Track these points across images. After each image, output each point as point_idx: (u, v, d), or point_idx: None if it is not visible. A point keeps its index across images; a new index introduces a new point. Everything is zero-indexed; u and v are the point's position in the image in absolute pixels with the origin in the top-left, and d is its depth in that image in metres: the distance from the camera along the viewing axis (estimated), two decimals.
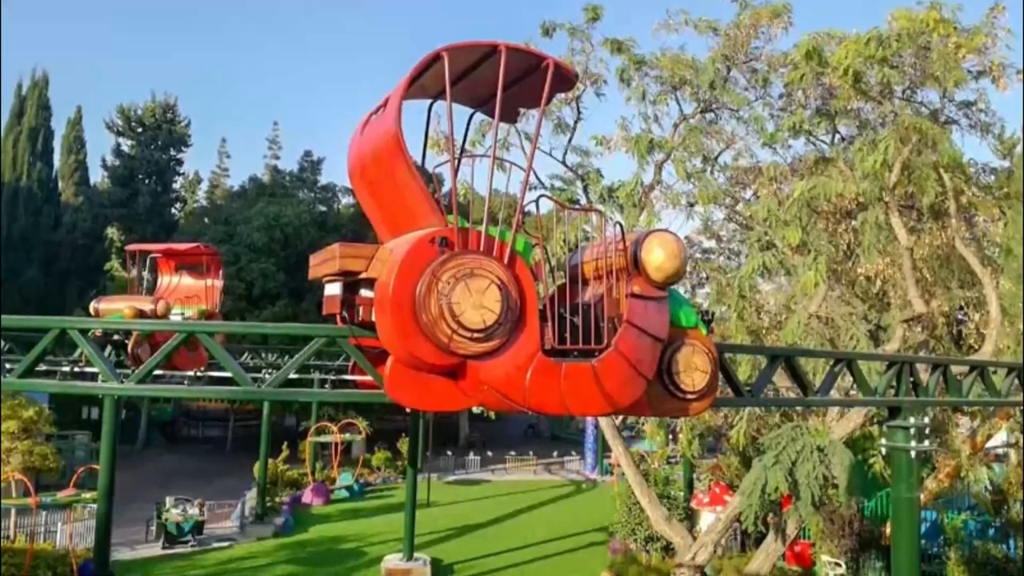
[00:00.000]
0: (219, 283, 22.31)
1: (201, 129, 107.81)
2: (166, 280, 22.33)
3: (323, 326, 8.45)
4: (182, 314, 20.78)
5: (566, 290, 8.03)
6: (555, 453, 51.65)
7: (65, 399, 38.82)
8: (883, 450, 13.10)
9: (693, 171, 20.20)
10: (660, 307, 8.05)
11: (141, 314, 18.86)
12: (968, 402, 14.01)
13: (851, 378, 11.58)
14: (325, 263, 7.60)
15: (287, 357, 27.58)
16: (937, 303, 20.98)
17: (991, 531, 24.56)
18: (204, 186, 72.66)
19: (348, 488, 39.37)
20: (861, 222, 17.49)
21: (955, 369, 12.92)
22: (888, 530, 21.58)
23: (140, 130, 61.76)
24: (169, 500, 28.69)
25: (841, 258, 21.23)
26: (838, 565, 24.02)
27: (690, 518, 27.37)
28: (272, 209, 51.04)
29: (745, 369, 17.35)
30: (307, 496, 37.14)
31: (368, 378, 8.20)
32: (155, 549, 27.30)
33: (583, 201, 21.72)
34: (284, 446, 40.62)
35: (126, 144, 61.74)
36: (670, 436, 34.25)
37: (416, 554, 26.51)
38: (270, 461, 36.27)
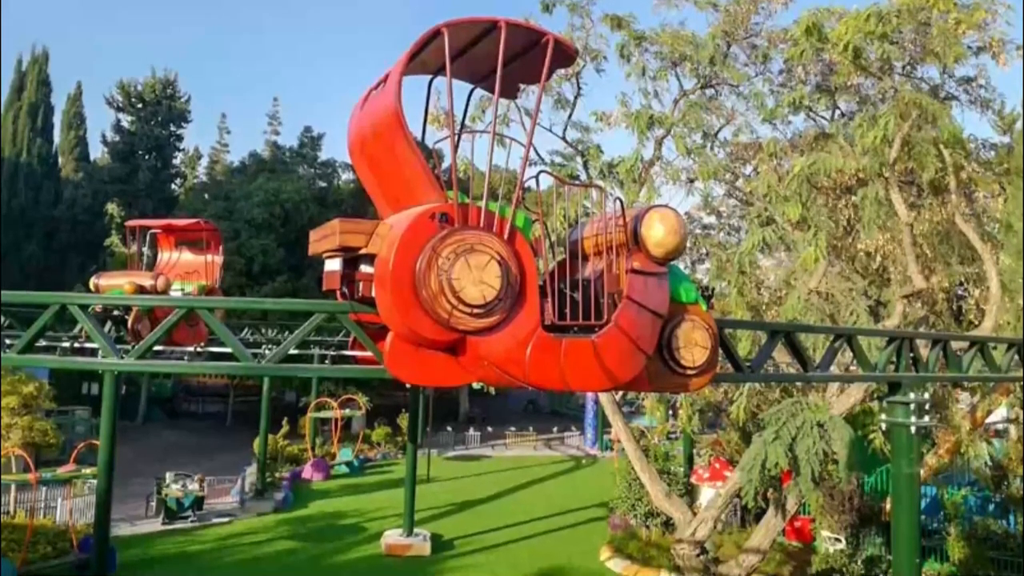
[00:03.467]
0: (219, 259, 22.23)
1: (201, 104, 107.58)
2: (166, 256, 22.25)
3: (323, 302, 8.42)
4: (182, 290, 20.74)
5: (566, 266, 8.02)
6: (555, 429, 51.85)
7: (65, 375, 38.90)
8: (883, 426, 13.09)
9: (693, 147, 20.13)
10: (660, 283, 8.02)
11: (141, 290, 18.81)
12: (968, 378, 14.02)
13: (851, 354, 11.57)
14: (325, 239, 7.55)
15: (287, 333, 27.56)
16: (937, 279, 20.98)
17: (991, 507, 24.63)
18: (204, 162, 72.64)
19: (348, 464, 39.53)
20: (861, 198, 17.44)
21: (955, 345, 12.91)
22: (888, 506, 21.69)
23: (140, 106, 61.54)
24: (169, 476, 28.77)
25: (841, 234, 21.21)
26: (838, 540, 24.11)
27: (690, 494, 27.44)
28: (272, 185, 50.97)
29: (745, 345, 17.35)
30: (307, 472, 37.26)
31: (368, 354, 8.17)
32: (155, 525, 27.43)
33: (583, 177, 21.68)
34: (284, 422, 40.76)
35: (126, 120, 61.61)
36: (670, 412, 34.35)
37: (416, 529, 26.65)
38: (270, 437, 36.35)
